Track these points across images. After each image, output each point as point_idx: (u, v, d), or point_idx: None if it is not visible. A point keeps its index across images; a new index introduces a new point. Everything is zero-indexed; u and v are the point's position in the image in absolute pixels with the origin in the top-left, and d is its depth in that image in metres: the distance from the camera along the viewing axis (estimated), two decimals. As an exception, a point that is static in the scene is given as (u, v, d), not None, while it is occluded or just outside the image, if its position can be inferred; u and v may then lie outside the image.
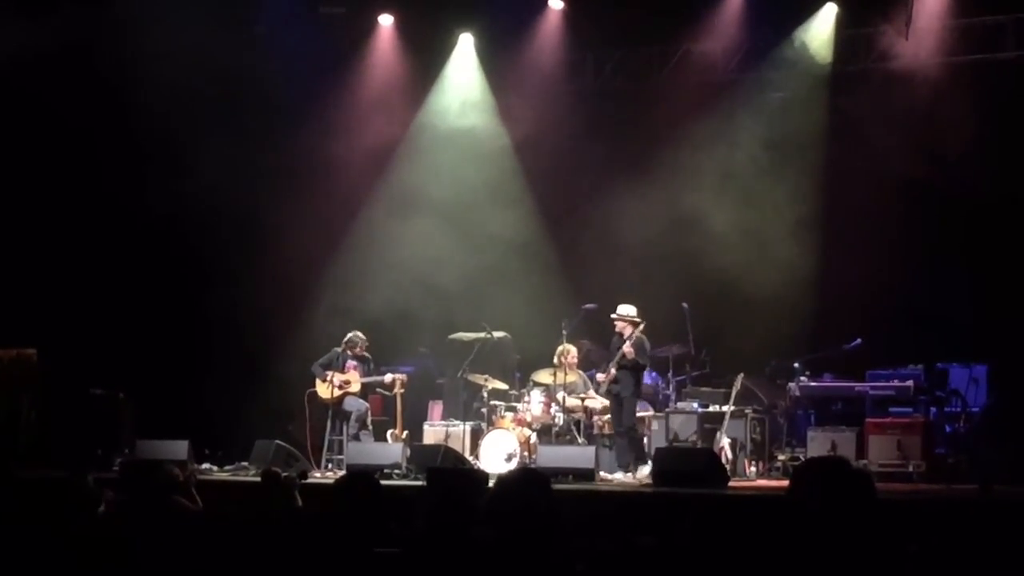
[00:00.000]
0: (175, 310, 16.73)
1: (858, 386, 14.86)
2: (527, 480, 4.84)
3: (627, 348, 14.16)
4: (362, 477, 5.72)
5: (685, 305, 15.20)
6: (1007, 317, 14.57)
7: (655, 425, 14.80)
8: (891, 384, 14.71)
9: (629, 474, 13.85)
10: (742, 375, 14.49)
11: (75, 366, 15.27)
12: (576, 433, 14.65)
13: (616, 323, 14.41)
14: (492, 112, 17.66)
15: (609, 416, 14.68)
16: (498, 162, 17.36)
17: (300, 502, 8.72)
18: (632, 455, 14.18)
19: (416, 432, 15.31)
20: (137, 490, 8.86)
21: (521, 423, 14.64)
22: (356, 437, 15.06)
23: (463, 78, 17.88)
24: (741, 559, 6.32)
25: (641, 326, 14.28)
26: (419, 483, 12.36)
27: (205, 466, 14.75)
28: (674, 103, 16.74)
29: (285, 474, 9.74)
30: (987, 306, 14.78)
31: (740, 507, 10.89)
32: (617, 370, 14.27)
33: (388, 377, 15.29)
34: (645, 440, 14.65)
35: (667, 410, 14.95)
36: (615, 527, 9.46)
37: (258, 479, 12.70)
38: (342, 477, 5.81)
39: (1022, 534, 8.60)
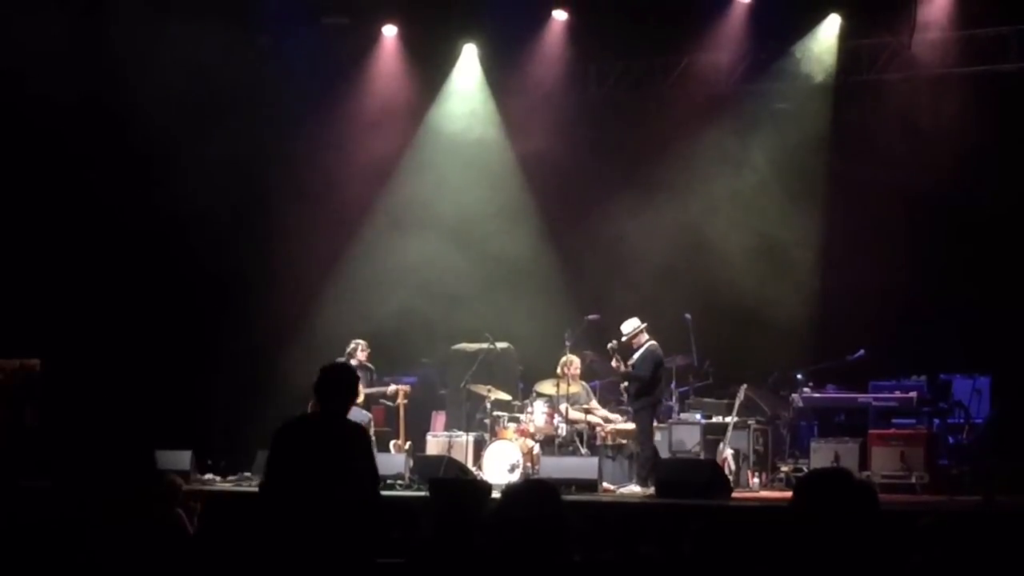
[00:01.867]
0: (178, 321, 16.73)
1: (861, 397, 14.85)
2: (536, 490, 4.83)
3: (614, 363, 14.11)
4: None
5: (688, 316, 15.19)
6: (1010, 328, 14.56)
7: (657, 436, 14.77)
8: (894, 395, 14.70)
9: (634, 485, 13.81)
10: (745, 386, 14.47)
11: (78, 376, 15.28)
12: (579, 444, 14.64)
13: (632, 343, 14.27)
14: (495, 123, 17.68)
15: (611, 427, 14.72)
16: (501, 172, 17.39)
17: None
18: (631, 469, 14.13)
19: (419, 443, 15.31)
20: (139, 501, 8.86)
21: (524, 434, 14.63)
22: (359, 447, 15.04)
23: (467, 89, 17.89)
24: (744, 570, 6.31)
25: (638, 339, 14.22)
26: (422, 494, 12.36)
27: (208, 476, 14.77)
28: (678, 114, 16.77)
29: None
30: (990, 317, 14.76)
31: (743, 518, 10.92)
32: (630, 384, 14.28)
33: (391, 388, 15.30)
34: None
35: (670, 421, 14.92)
36: (618, 538, 9.46)
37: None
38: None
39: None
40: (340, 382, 7.11)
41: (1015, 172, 14.95)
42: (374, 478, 7.12)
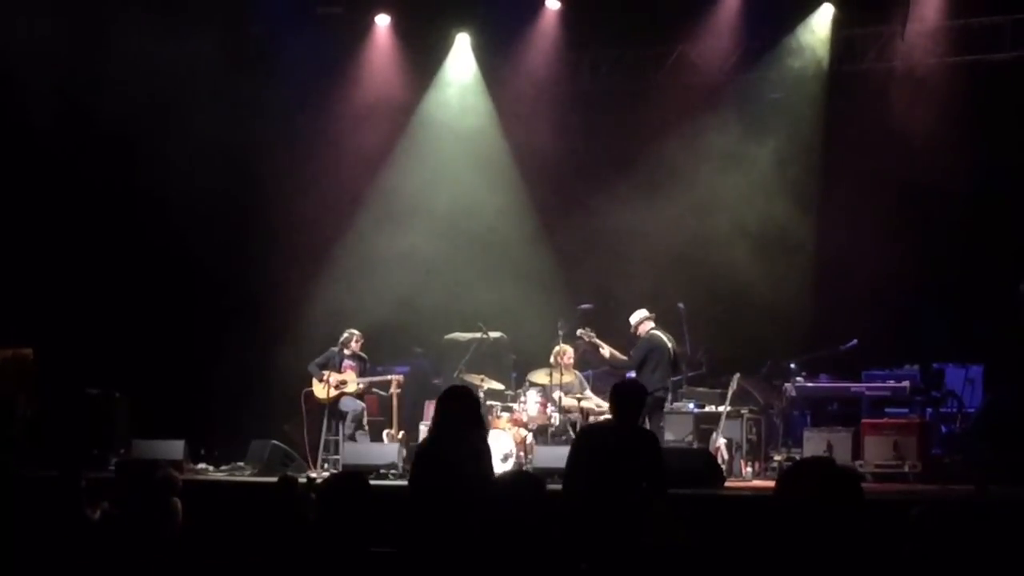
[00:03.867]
0: (171, 310, 16.73)
1: (854, 387, 14.87)
2: (520, 483, 4.83)
3: (602, 350, 14.16)
4: (350, 477, 5.72)
5: (681, 305, 15.16)
6: (1003, 318, 14.56)
7: (647, 425, 14.76)
8: (887, 385, 14.71)
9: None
10: (738, 375, 14.46)
11: (71, 365, 15.27)
12: (572, 433, 14.63)
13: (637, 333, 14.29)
14: (488, 112, 17.67)
15: (604, 416, 14.71)
16: (494, 161, 17.38)
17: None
18: None
19: (412, 432, 15.29)
20: (135, 491, 8.87)
21: (517, 423, 14.63)
22: (352, 437, 15.05)
23: (460, 78, 17.88)
24: (737, 558, 6.32)
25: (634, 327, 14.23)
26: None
27: (201, 466, 14.77)
28: (671, 104, 16.75)
29: (297, 477, 9.78)
30: (983, 306, 14.76)
31: (736, 507, 10.93)
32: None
33: (384, 377, 15.30)
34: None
35: (663, 411, 14.91)
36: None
37: (253, 480, 12.70)
38: (329, 477, 5.81)
39: (1018, 535, 8.60)
40: (632, 395, 8.33)
41: (1008, 162, 14.96)
42: (662, 481, 8.15)
